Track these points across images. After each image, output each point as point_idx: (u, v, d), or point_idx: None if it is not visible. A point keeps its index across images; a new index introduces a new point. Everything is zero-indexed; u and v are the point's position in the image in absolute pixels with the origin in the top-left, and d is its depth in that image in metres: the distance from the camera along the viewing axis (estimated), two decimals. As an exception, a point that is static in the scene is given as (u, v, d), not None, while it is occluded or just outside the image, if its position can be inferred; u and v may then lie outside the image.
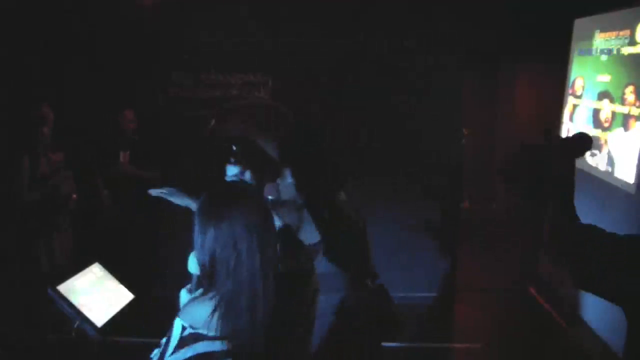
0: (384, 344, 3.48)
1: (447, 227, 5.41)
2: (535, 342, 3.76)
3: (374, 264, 2.06)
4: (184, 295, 1.51)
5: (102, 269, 2.81)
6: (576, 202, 1.55)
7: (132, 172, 4.54)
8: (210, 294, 1.33)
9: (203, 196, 1.37)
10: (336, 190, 2.01)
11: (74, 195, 4.12)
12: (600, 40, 4.13)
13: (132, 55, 5.29)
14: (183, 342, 1.32)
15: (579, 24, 4.55)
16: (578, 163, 1.55)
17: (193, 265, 1.49)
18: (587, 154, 1.78)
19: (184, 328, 1.33)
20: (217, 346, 1.31)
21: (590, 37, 4.29)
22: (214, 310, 1.30)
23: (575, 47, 4.61)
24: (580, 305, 4.07)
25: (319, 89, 5.49)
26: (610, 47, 3.97)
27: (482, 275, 4.84)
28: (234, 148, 1.87)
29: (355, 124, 5.48)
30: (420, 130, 5.49)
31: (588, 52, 4.34)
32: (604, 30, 4.08)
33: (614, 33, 3.92)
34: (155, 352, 1.39)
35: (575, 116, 4.53)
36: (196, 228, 1.34)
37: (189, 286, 1.52)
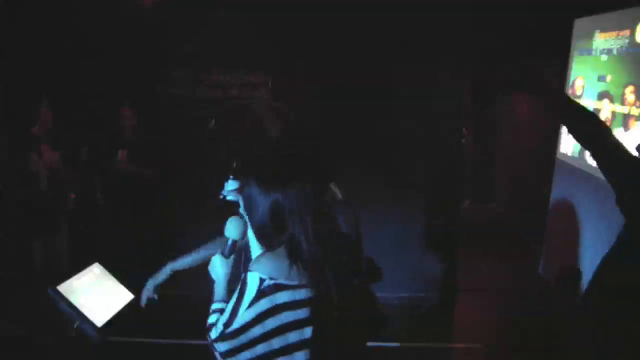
0: (384, 344, 3.49)
1: (447, 227, 5.40)
2: (535, 342, 3.76)
3: (365, 262, 2.05)
4: (218, 260, 1.53)
5: (102, 269, 2.80)
6: (577, 202, 1.61)
7: (130, 170, 4.53)
8: (278, 249, 1.40)
9: (260, 167, 1.49)
10: (328, 188, 2.01)
11: (73, 195, 4.12)
12: (600, 40, 4.13)
13: (132, 54, 5.29)
14: (262, 294, 1.35)
15: (579, 24, 4.56)
16: (578, 163, 1.62)
17: (233, 230, 1.51)
18: (587, 154, 1.86)
19: (261, 281, 1.35)
20: (299, 295, 1.37)
21: (590, 37, 4.29)
22: (293, 261, 1.37)
23: (575, 47, 4.61)
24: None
25: (319, 89, 5.49)
26: (610, 47, 3.97)
27: (482, 275, 4.84)
28: (234, 164, 1.91)
29: (355, 123, 5.48)
30: (420, 130, 5.49)
31: (588, 52, 4.34)
32: (604, 30, 4.09)
33: (614, 33, 3.92)
34: (221, 315, 1.40)
35: (575, 116, 4.53)
36: (255, 193, 1.42)
37: (221, 250, 1.53)
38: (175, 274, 2.10)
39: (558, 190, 4.74)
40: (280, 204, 1.40)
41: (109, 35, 5.20)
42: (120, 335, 2.72)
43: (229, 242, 1.52)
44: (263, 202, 1.41)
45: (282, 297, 1.35)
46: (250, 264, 1.42)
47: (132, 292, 2.83)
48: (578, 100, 4.47)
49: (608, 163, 1.61)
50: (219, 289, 1.52)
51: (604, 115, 3.99)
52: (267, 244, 1.44)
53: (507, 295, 4.49)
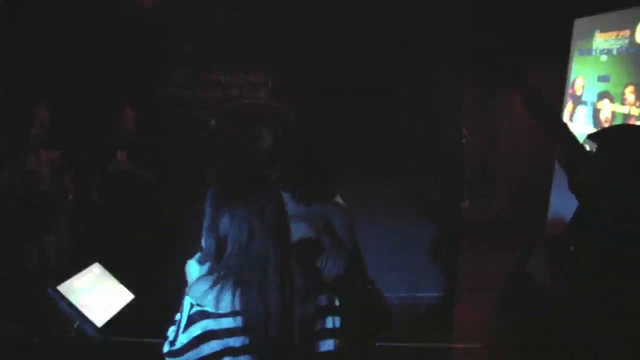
0: (384, 344, 3.49)
1: (447, 227, 5.41)
2: (535, 342, 3.76)
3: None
4: (193, 266, 1.51)
5: (102, 269, 2.80)
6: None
7: (130, 169, 4.52)
8: (218, 273, 1.35)
9: (217, 180, 1.42)
10: (330, 190, 2.01)
11: (70, 196, 4.12)
12: (600, 40, 4.13)
13: (132, 55, 5.29)
14: (191, 320, 1.34)
15: (579, 24, 4.55)
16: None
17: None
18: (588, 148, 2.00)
19: (192, 305, 1.34)
20: (222, 324, 1.32)
21: (590, 37, 4.29)
22: (221, 288, 1.32)
23: (575, 47, 4.61)
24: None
25: (318, 89, 5.49)
26: (610, 47, 3.97)
27: (482, 275, 4.84)
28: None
29: (354, 123, 5.48)
30: (420, 130, 5.49)
31: (588, 52, 4.34)
32: (604, 30, 4.08)
33: (614, 33, 3.92)
34: (171, 330, 1.41)
35: (575, 116, 4.53)
36: (209, 210, 1.38)
37: (197, 256, 1.51)
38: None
39: (558, 190, 4.74)
40: (225, 225, 1.34)
41: (109, 35, 5.20)
42: (120, 335, 2.72)
43: (205, 250, 1.48)
44: (210, 216, 1.38)
45: (208, 324, 1.32)
46: (187, 287, 1.41)
47: (132, 292, 2.83)
48: (578, 101, 4.48)
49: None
50: (187, 301, 1.48)
51: (604, 115, 3.99)
52: (210, 262, 1.41)
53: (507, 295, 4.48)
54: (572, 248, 1.58)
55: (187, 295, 1.36)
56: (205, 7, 5.47)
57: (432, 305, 4.33)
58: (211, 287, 1.33)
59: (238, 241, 1.33)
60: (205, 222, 1.39)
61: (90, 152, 4.58)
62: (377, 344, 2.17)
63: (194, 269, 1.51)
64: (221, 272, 1.35)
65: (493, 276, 4.85)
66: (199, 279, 1.39)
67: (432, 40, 5.29)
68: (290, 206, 1.79)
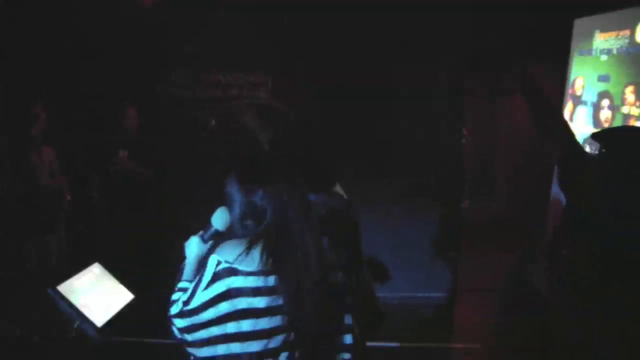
0: (384, 344, 3.49)
1: (447, 227, 5.41)
2: (535, 343, 3.76)
3: (365, 261, 2.05)
4: (194, 242, 1.58)
5: (102, 269, 2.80)
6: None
7: (131, 167, 4.52)
8: (251, 237, 1.40)
9: (241, 163, 1.51)
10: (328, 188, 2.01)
11: (68, 196, 4.12)
12: (600, 40, 4.13)
13: (132, 55, 5.28)
14: (217, 276, 1.37)
15: (579, 24, 4.55)
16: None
17: (218, 220, 1.56)
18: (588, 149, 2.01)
19: (218, 262, 1.38)
20: (250, 282, 1.36)
21: (590, 37, 4.29)
22: (255, 248, 1.37)
23: (575, 47, 4.61)
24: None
25: (318, 89, 5.49)
26: (610, 47, 3.97)
27: (482, 275, 4.83)
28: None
29: (354, 123, 5.48)
30: (420, 130, 5.49)
31: (588, 52, 4.34)
32: (604, 30, 4.08)
33: (614, 33, 3.92)
34: (179, 294, 1.45)
35: (575, 116, 4.53)
36: (236, 187, 1.45)
37: (201, 233, 1.58)
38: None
39: (559, 190, 4.73)
40: (257, 205, 1.42)
41: (109, 35, 5.20)
42: (120, 335, 2.72)
43: (212, 229, 1.57)
44: (240, 201, 1.44)
45: (235, 281, 1.36)
46: (190, 250, 1.51)
47: (132, 292, 2.83)
48: (578, 101, 4.48)
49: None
50: (188, 268, 1.57)
51: (604, 115, 3.99)
52: (239, 234, 1.46)
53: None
54: (564, 252, 1.58)
55: (215, 254, 1.40)
56: (205, 7, 5.47)
57: (432, 305, 4.33)
58: (241, 247, 1.38)
59: (271, 218, 1.39)
60: (235, 198, 1.45)
61: (91, 151, 4.58)
62: (377, 345, 2.17)
63: (195, 244, 1.58)
64: (254, 236, 1.40)
65: (493, 276, 4.86)
66: (229, 241, 1.43)
67: (432, 40, 5.29)
68: None
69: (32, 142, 3.84)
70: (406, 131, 5.48)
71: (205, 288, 1.37)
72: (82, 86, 5.14)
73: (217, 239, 1.56)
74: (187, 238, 1.65)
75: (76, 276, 2.62)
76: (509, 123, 6.32)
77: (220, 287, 1.36)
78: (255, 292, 1.36)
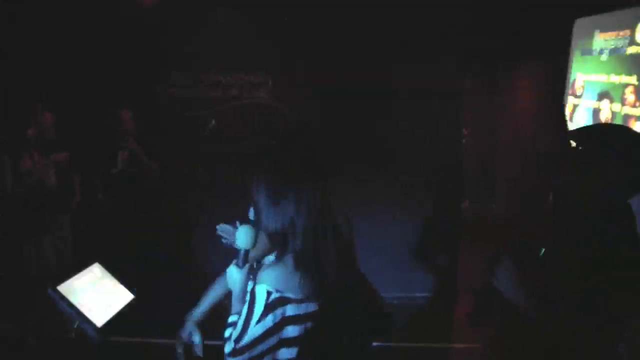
0: (384, 344, 3.48)
1: (447, 227, 5.41)
2: (535, 343, 3.76)
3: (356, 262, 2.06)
4: (234, 271, 1.50)
5: (102, 269, 2.80)
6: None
7: (139, 153, 4.49)
8: (291, 257, 1.37)
9: (265, 173, 1.44)
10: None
11: (78, 197, 4.12)
12: (600, 40, 4.13)
13: (131, 55, 5.28)
14: (270, 307, 1.34)
15: (579, 24, 4.55)
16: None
17: (243, 240, 1.46)
18: None
19: (269, 293, 1.34)
20: (304, 309, 1.35)
21: (590, 37, 4.29)
22: (302, 273, 1.35)
23: (576, 47, 4.61)
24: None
25: (319, 89, 5.49)
26: (611, 47, 3.97)
27: (482, 276, 4.83)
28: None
29: (354, 123, 5.48)
30: (420, 130, 5.49)
31: (588, 52, 4.34)
32: (604, 30, 4.08)
33: (614, 33, 3.92)
34: (231, 330, 1.40)
35: (575, 116, 4.53)
36: (263, 201, 1.40)
37: (235, 261, 1.50)
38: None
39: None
40: (287, 209, 1.37)
41: (108, 35, 5.20)
42: (120, 335, 2.72)
43: (242, 251, 1.49)
44: (269, 207, 1.39)
45: (288, 310, 1.34)
46: (258, 275, 1.40)
47: (132, 292, 2.83)
48: (578, 101, 4.48)
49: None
50: (236, 300, 1.49)
51: (604, 115, 3.99)
52: (277, 251, 1.42)
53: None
54: (542, 251, 1.55)
55: (262, 283, 1.36)
56: (205, 7, 5.47)
57: (432, 305, 4.33)
58: (288, 272, 1.35)
59: (309, 218, 1.36)
60: (264, 211, 1.40)
61: (95, 152, 4.57)
62: (377, 345, 2.17)
63: (235, 275, 1.50)
64: (295, 256, 1.37)
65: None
66: (269, 265, 1.40)
67: (432, 40, 5.29)
68: None
69: (33, 143, 3.84)
70: (406, 131, 5.49)
71: (258, 321, 1.34)
72: (81, 86, 5.14)
73: (248, 259, 1.50)
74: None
75: (76, 276, 2.62)
76: (509, 123, 6.32)
77: (272, 318, 1.34)
78: (304, 318, 1.36)
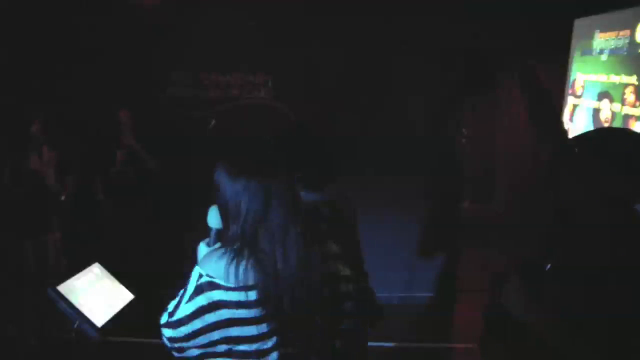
0: (384, 344, 3.48)
1: (447, 227, 5.41)
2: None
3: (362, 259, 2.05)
4: (203, 248, 1.53)
5: (102, 269, 2.80)
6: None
7: (138, 150, 4.49)
8: (231, 247, 1.38)
9: (232, 157, 1.45)
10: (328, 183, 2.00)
11: (63, 196, 4.11)
12: (600, 40, 4.13)
13: (131, 54, 5.29)
14: (199, 289, 1.36)
15: (579, 24, 4.56)
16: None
17: (213, 219, 1.50)
18: None
19: (201, 275, 1.37)
20: (232, 296, 1.35)
21: (590, 37, 4.29)
22: (236, 262, 1.35)
23: (575, 47, 4.61)
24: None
25: (319, 89, 5.49)
26: (611, 47, 3.97)
27: (482, 275, 4.83)
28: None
29: (355, 124, 5.48)
30: (420, 130, 5.49)
31: (588, 52, 4.34)
32: (604, 30, 4.09)
33: (614, 33, 3.92)
34: (173, 302, 1.43)
35: (575, 116, 4.53)
36: (225, 182, 1.40)
37: (207, 240, 1.53)
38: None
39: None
40: (241, 195, 1.37)
41: (108, 35, 5.20)
42: (120, 335, 2.72)
43: (213, 230, 1.52)
44: (227, 189, 1.40)
45: (217, 295, 1.35)
46: (200, 259, 1.45)
47: (132, 292, 2.83)
48: (578, 101, 4.48)
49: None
50: (196, 272, 1.52)
51: (604, 116, 3.99)
52: (225, 237, 1.44)
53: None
54: (548, 267, 1.51)
55: (198, 266, 1.39)
56: (205, 7, 5.47)
57: (432, 305, 4.33)
58: (225, 260, 1.35)
59: (253, 209, 1.36)
60: (220, 197, 1.41)
61: (92, 153, 4.57)
62: (377, 345, 2.17)
63: (204, 251, 1.53)
64: (235, 245, 1.37)
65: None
66: (212, 251, 1.42)
67: (432, 40, 5.29)
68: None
69: (34, 142, 3.84)
70: (406, 131, 5.48)
71: (189, 300, 1.37)
72: (81, 86, 5.14)
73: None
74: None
75: (76, 276, 2.62)
76: (509, 123, 6.31)
77: (202, 300, 1.36)
78: (238, 305, 1.35)
